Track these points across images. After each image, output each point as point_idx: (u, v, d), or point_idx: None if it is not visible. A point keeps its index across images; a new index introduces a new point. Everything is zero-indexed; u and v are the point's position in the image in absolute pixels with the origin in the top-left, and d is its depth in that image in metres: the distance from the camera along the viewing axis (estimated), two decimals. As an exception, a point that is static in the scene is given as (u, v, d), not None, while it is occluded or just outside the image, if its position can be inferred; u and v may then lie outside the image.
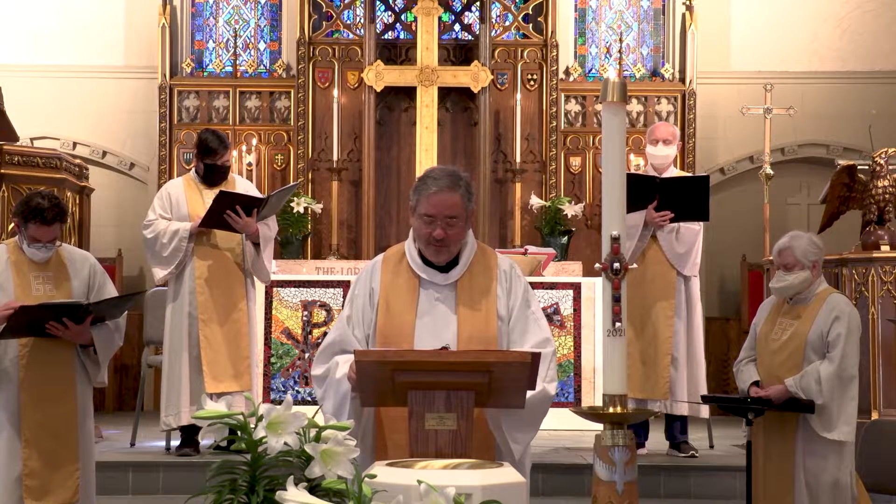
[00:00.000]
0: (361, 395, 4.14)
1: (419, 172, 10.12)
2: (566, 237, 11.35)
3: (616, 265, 3.48)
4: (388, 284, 4.42)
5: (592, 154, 11.94)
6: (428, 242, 4.35)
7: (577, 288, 9.38)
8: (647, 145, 8.16)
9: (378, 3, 12.04)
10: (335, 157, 11.52)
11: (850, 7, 12.38)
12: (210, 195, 7.70)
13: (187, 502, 3.41)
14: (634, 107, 11.96)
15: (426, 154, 11.37)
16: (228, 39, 12.30)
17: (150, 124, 11.92)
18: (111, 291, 5.79)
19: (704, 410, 8.06)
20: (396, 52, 12.00)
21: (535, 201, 11.43)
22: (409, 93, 11.72)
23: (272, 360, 9.04)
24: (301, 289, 9.18)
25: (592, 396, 9.13)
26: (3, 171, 8.29)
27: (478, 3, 11.97)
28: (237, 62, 12.14)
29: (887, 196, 8.30)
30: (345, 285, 9.08)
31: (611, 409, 3.46)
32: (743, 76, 12.14)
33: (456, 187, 4.32)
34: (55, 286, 5.67)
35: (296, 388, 8.97)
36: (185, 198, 7.84)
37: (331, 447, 3.09)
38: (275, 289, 9.09)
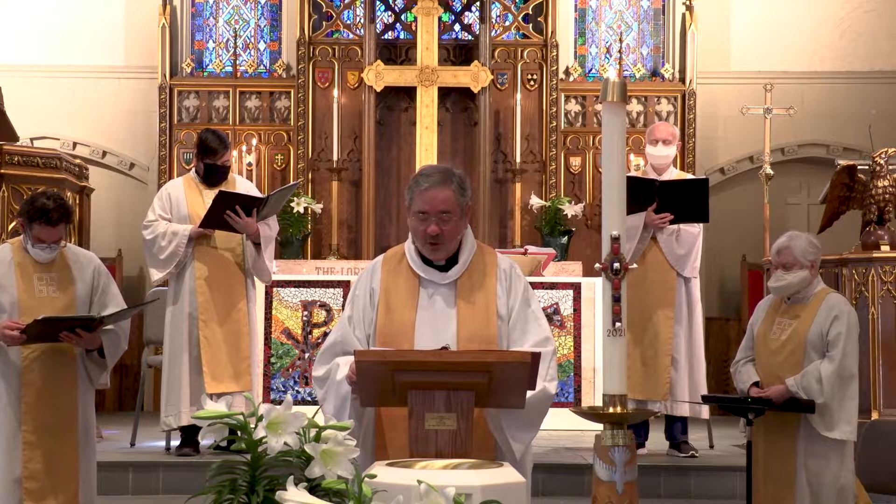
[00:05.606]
0: (361, 396, 4.13)
1: (419, 172, 10.12)
2: (566, 237, 11.35)
3: (616, 265, 3.48)
4: (388, 284, 4.41)
5: (592, 154, 11.93)
6: (424, 240, 4.35)
7: (577, 288, 9.38)
8: (647, 145, 8.16)
9: (378, 3, 12.04)
10: (335, 157, 11.52)
11: (850, 7, 12.37)
12: (210, 195, 7.70)
13: (187, 502, 3.41)
14: (634, 107, 11.96)
15: (426, 154, 11.36)
16: (228, 39, 12.29)
17: (150, 124, 11.92)
18: (115, 293, 5.76)
19: (705, 411, 8.06)
20: (396, 52, 12.00)
21: (535, 201, 11.43)
22: (409, 93, 11.72)
23: (272, 360, 9.04)
24: (301, 289, 9.18)
25: (592, 396, 9.13)
26: (3, 171, 8.28)
27: (478, 3, 11.96)
28: (237, 62, 12.14)
29: (887, 196, 8.30)
30: (345, 285, 9.08)
31: (611, 409, 3.46)
32: (743, 76, 12.13)
33: (448, 182, 4.32)
34: (59, 287, 5.63)
35: (296, 388, 8.97)
36: (185, 198, 7.84)
37: (331, 447, 3.09)
38: (275, 289, 9.08)
